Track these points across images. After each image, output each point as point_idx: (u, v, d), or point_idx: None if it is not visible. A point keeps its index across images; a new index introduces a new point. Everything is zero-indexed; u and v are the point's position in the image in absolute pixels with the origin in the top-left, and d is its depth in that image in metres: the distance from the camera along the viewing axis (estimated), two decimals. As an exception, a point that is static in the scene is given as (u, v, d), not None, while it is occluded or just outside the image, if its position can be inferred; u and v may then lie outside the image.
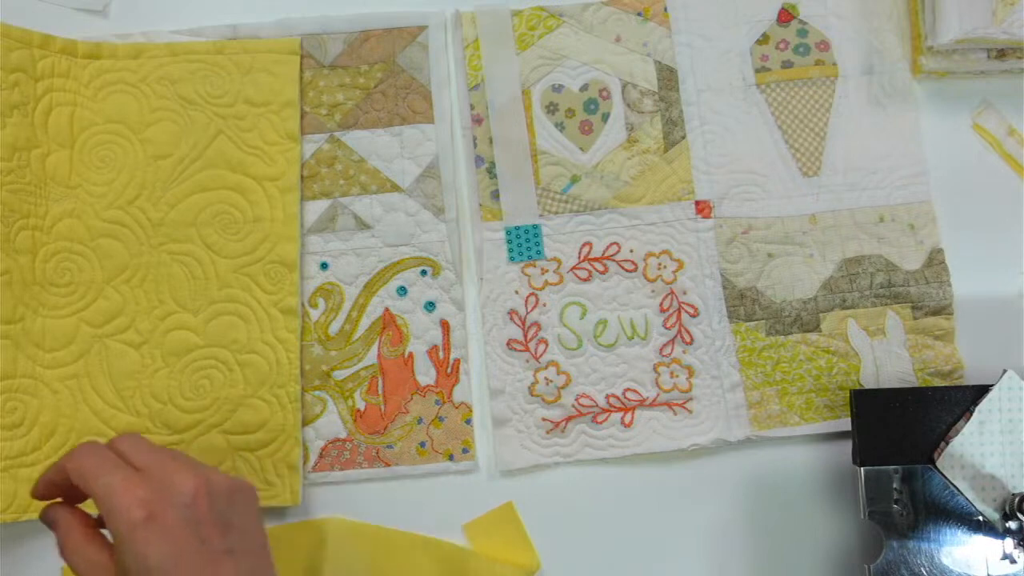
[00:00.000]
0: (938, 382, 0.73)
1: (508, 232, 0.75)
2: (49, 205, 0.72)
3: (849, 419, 0.70)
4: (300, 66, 0.77)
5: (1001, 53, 0.75)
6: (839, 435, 0.73)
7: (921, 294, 0.74)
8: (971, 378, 0.73)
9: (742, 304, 0.74)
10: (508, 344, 0.74)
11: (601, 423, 0.73)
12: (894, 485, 0.67)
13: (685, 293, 0.74)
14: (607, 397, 0.73)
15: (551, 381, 0.74)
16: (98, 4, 0.77)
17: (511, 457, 0.72)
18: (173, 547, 0.44)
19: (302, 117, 0.76)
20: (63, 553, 0.49)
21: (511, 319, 0.74)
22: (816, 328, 0.74)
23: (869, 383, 0.73)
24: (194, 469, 0.48)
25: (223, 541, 0.46)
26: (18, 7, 0.75)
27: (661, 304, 0.75)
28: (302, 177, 0.75)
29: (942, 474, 0.66)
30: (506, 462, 0.72)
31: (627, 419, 0.73)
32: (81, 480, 0.47)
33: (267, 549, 0.50)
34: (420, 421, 0.73)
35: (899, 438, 0.67)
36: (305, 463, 0.72)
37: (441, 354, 0.74)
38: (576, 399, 0.73)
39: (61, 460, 0.50)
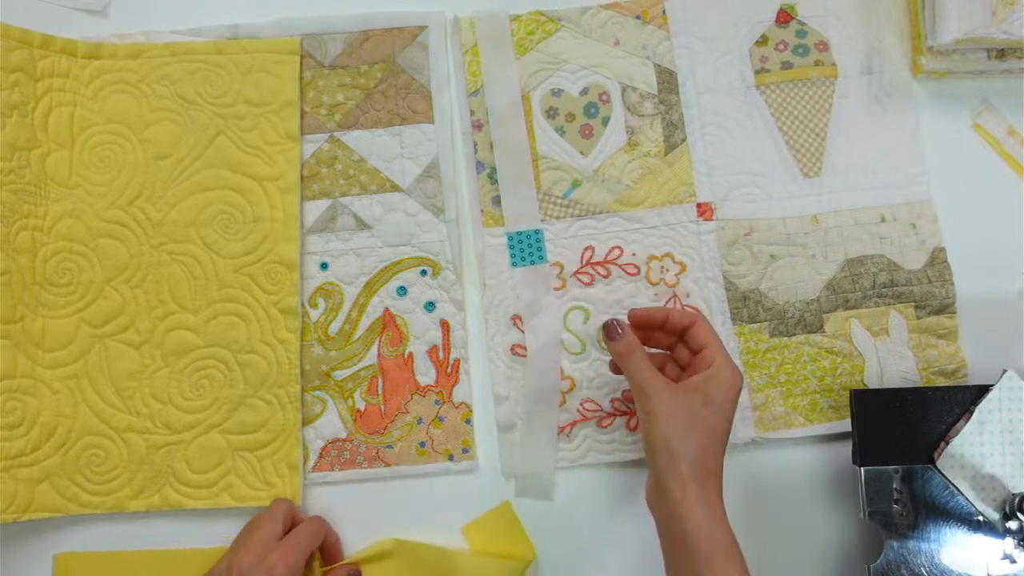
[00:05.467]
0: (942, 381, 0.76)
1: (510, 237, 0.78)
2: (49, 205, 0.74)
3: (853, 419, 0.73)
4: (300, 66, 0.80)
5: (1001, 53, 0.78)
6: (840, 435, 0.75)
7: (924, 293, 0.77)
8: (972, 378, 0.76)
9: (745, 306, 0.77)
10: (512, 349, 0.76)
11: (606, 427, 0.76)
12: (894, 485, 0.69)
13: (688, 296, 0.77)
14: (612, 401, 0.76)
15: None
16: (98, 4, 0.80)
17: (516, 463, 0.74)
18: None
19: (302, 117, 0.79)
20: (628, 357, 0.67)
21: (514, 324, 0.76)
22: (819, 329, 0.77)
23: (873, 383, 0.76)
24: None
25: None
26: (18, 7, 0.78)
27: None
28: (302, 177, 0.78)
29: (942, 474, 0.69)
30: (511, 468, 0.74)
31: (632, 423, 0.76)
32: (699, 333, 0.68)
33: None
34: (420, 421, 0.75)
35: (899, 438, 0.70)
36: (305, 463, 0.75)
37: (441, 354, 0.76)
38: (581, 404, 0.76)
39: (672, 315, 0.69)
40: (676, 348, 0.70)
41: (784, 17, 0.81)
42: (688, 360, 0.68)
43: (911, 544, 0.68)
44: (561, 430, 0.75)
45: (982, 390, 0.69)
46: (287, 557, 0.66)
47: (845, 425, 0.74)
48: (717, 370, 0.65)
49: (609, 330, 0.68)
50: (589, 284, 0.77)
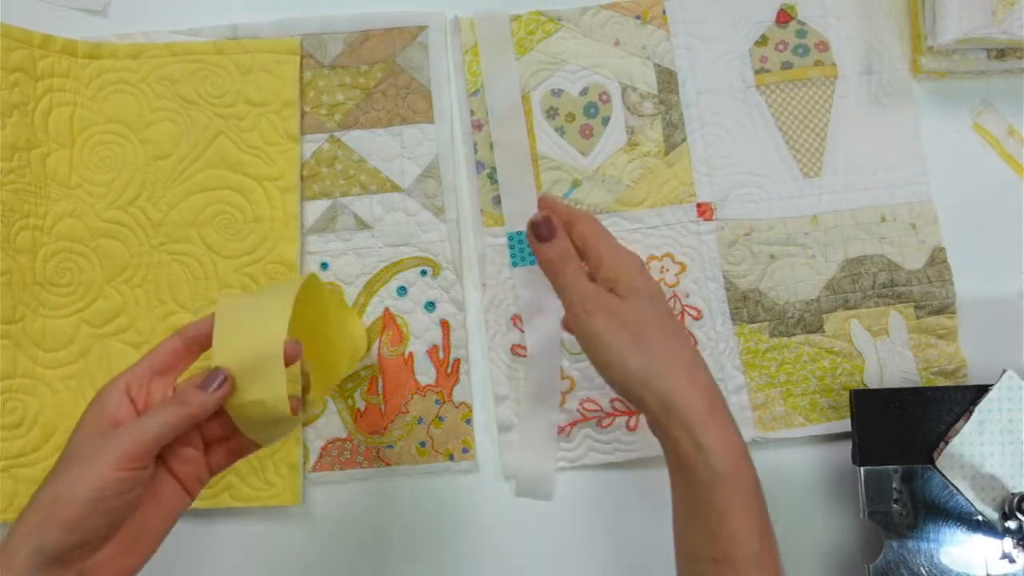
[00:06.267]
0: (942, 381, 0.77)
1: (510, 237, 0.78)
2: (49, 205, 0.75)
3: (853, 419, 0.73)
4: (300, 66, 0.80)
5: (1001, 53, 0.79)
6: (840, 435, 0.76)
7: (924, 293, 0.77)
8: (971, 378, 0.77)
9: (745, 306, 0.77)
10: (512, 349, 0.77)
11: (606, 427, 0.76)
12: (894, 485, 0.69)
13: (688, 296, 0.77)
14: (612, 401, 0.76)
15: (555, 385, 0.77)
16: (98, 4, 0.81)
17: (516, 463, 0.75)
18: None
19: (302, 117, 0.80)
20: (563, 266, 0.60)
21: (514, 324, 0.77)
22: (819, 329, 0.77)
23: (873, 383, 0.77)
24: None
25: None
26: (18, 7, 0.79)
27: (664, 307, 0.77)
28: (302, 177, 0.79)
29: (942, 474, 0.69)
30: (511, 468, 0.75)
31: (632, 423, 0.76)
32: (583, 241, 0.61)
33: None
34: (420, 421, 0.76)
35: (899, 438, 0.70)
36: (305, 463, 0.75)
37: (441, 354, 0.77)
38: (581, 403, 0.76)
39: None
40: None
41: (784, 17, 0.82)
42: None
43: (910, 544, 0.68)
44: (561, 430, 0.76)
45: (982, 390, 0.70)
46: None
47: (845, 425, 0.75)
48: (613, 262, 0.59)
49: (539, 227, 0.60)
50: (589, 284, 0.78)
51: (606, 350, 0.57)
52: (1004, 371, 0.70)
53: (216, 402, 0.54)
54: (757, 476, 0.55)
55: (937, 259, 0.78)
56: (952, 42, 0.76)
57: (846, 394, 0.75)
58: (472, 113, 0.80)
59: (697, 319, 0.77)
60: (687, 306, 0.77)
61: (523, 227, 0.77)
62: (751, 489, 0.54)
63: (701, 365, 0.57)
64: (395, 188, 0.79)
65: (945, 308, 0.77)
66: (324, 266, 0.78)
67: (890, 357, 0.77)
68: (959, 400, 0.70)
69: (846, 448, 0.71)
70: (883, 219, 0.79)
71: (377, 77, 0.80)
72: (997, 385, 0.69)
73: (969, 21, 0.75)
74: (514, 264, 0.78)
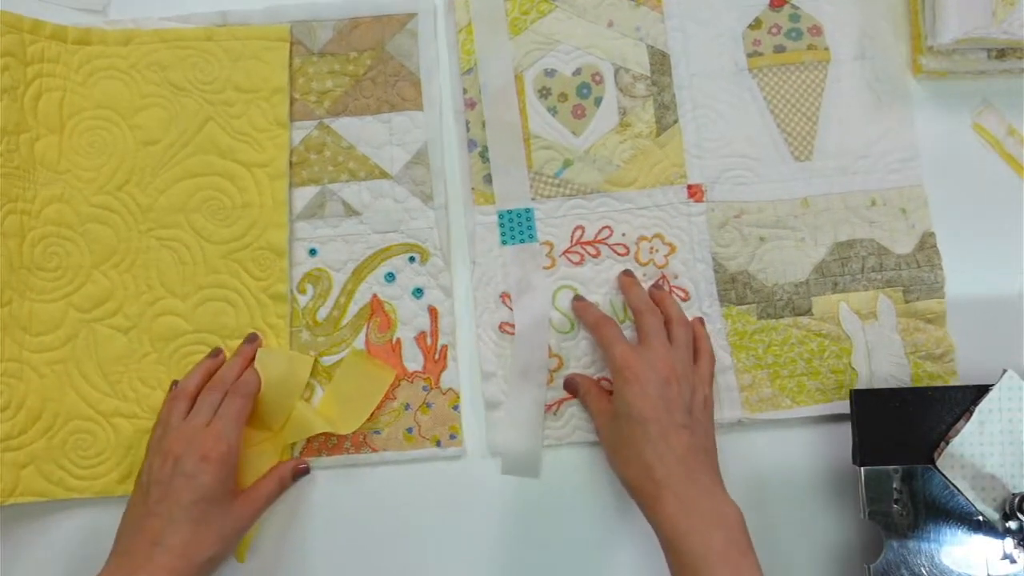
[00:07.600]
0: (929, 365, 0.76)
1: (501, 216, 0.79)
2: (38, 189, 0.76)
3: (841, 402, 0.74)
4: (289, 53, 0.80)
5: (1001, 53, 0.78)
6: (839, 435, 0.75)
7: (912, 278, 0.77)
8: (970, 377, 0.76)
9: (733, 288, 0.77)
10: (500, 327, 0.77)
11: (593, 405, 0.76)
12: (894, 485, 0.69)
13: (676, 277, 0.78)
14: (600, 380, 0.76)
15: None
16: (98, 4, 0.81)
17: (503, 440, 0.75)
18: (647, 405, 0.67)
19: (291, 104, 0.80)
20: (584, 399, 0.75)
21: (503, 302, 0.77)
22: (808, 312, 0.77)
23: (860, 366, 0.76)
24: (673, 365, 0.69)
25: (682, 418, 0.67)
26: (17, 6, 0.78)
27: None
28: (291, 164, 0.79)
29: (942, 474, 0.69)
30: (498, 445, 0.75)
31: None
32: (597, 336, 0.75)
33: (712, 441, 0.70)
34: (407, 407, 0.76)
35: (899, 438, 0.70)
36: (292, 448, 0.75)
37: (429, 340, 0.77)
38: (569, 382, 0.77)
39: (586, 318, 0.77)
40: None
41: (778, 1, 0.82)
42: None
43: (911, 544, 0.68)
44: (548, 408, 0.76)
45: (982, 390, 0.70)
46: (218, 445, 0.68)
47: (833, 408, 0.75)
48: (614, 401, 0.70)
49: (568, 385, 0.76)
50: (579, 264, 0.78)
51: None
52: (1004, 371, 0.70)
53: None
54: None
55: (926, 244, 0.78)
56: (952, 42, 0.76)
57: (833, 377, 0.76)
58: (465, 91, 0.80)
59: (685, 300, 0.77)
60: (675, 287, 0.77)
61: (514, 205, 0.79)
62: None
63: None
64: (384, 175, 0.79)
65: (934, 292, 0.77)
66: (312, 252, 0.78)
67: (878, 340, 0.77)
68: (959, 400, 0.70)
69: (846, 447, 0.71)
70: (873, 203, 0.78)
71: (366, 64, 0.81)
72: (997, 385, 0.69)
73: (969, 21, 0.75)
74: (504, 242, 0.78)
